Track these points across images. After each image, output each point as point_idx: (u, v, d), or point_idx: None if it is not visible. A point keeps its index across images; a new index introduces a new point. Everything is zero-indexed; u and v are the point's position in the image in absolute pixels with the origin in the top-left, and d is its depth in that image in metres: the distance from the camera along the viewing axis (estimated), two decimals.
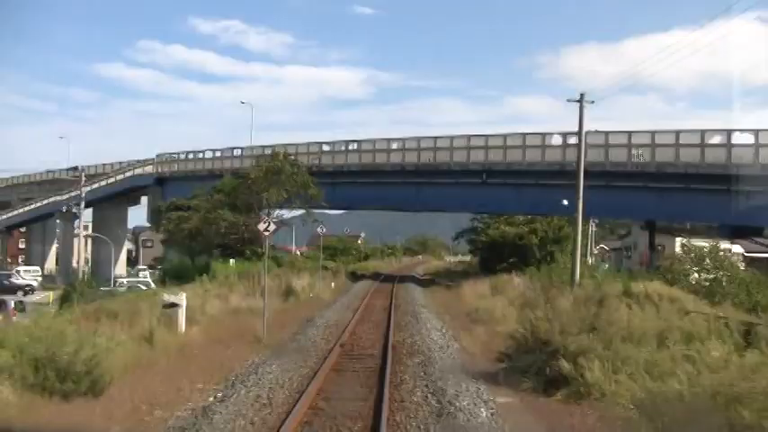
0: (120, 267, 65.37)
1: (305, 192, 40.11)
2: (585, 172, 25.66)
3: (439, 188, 40.02)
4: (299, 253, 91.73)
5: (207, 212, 39.38)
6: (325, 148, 45.47)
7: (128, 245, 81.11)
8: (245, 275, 31.06)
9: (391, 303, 24.68)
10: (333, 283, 34.14)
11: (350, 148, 44.01)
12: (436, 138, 40.10)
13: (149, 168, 59.63)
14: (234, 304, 20.07)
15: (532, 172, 36.13)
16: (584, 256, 48.25)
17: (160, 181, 56.93)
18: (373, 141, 43.14)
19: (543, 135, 36.29)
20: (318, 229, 66.62)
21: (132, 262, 79.52)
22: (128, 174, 61.85)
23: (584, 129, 24.18)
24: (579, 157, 23.73)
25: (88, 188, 67.06)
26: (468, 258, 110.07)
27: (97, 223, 70.77)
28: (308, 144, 46.40)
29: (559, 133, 35.87)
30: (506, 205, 38.22)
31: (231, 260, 38.58)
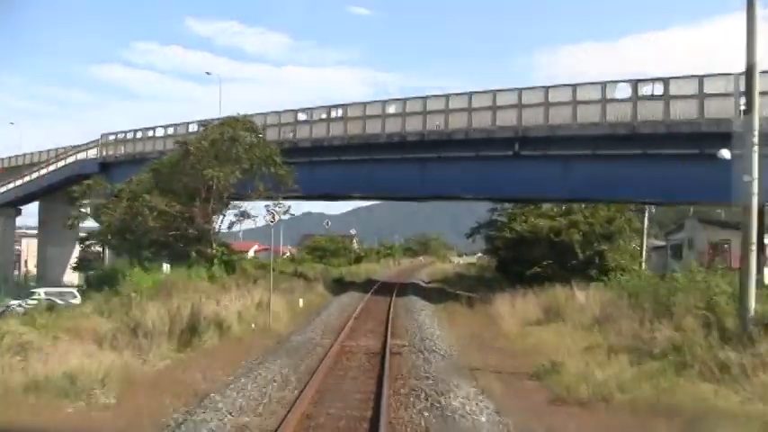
0: (69, 273, 54.91)
1: (269, 171, 29.40)
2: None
3: (452, 165, 29.25)
4: (288, 253, 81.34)
5: (130, 200, 28.61)
6: (301, 117, 34.69)
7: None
8: (165, 289, 20.50)
9: (385, 344, 13.83)
10: (301, 300, 23.31)
11: (333, 115, 33.22)
12: (448, 96, 29.30)
13: (93, 152, 48.99)
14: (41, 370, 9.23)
15: (587, 138, 25.42)
16: (637, 258, 37.68)
17: (105, 167, 46.15)
18: (363, 105, 32.35)
19: (603, 85, 25.53)
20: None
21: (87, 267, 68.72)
22: (69, 159, 51.20)
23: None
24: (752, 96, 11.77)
25: (28, 178, 57.12)
26: (474, 259, 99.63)
27: (44, 220, 60.35)
28: (279, 113, 35.61)
29: (628, 81, 25.15)
30: (547, 187, 27.42)
31: (165, 265, 27.82)
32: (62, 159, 52.03)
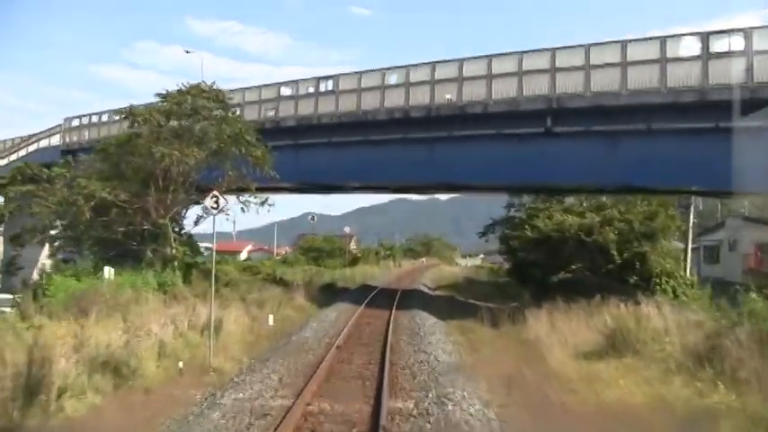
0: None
1: (241, 153, 23.88)
2: None
3: (466, 147, 23.67)
4: (284, 252, 75.75)
5: (68, 186, 23.12)
6: (285, 92, 29.11)
7: None
8: (79, 302, 15.10)
9: (377, 409, 8.20)
10: (272, 317, 17.63)
11: (322, 89, 27.66)
12: (462, 61, 23.67)
13: (56, 139, 43.54)
14: None
15: (641, 109, 19.87)
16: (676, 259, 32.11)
17: (69, 154, 40.54)
18: (358, 75, 26.76)
19: (662, 40, 19.95)
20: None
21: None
22: (31, 148, 45.76)
23: None
24: None
25: None
26: (479, 261, 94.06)
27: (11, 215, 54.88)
28: (260, 88, 30.06)
29: (695, 34, 19.56)
30: (587, 172, 21.74)
31: (107, 269, 22.28)
32: (23, 148, 46.62)
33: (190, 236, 30.52)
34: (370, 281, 40.56)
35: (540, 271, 31.50)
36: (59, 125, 43.11)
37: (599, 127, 20.87)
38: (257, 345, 14.19)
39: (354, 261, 55.32)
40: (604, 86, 20.57)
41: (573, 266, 28.66)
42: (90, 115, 40.56)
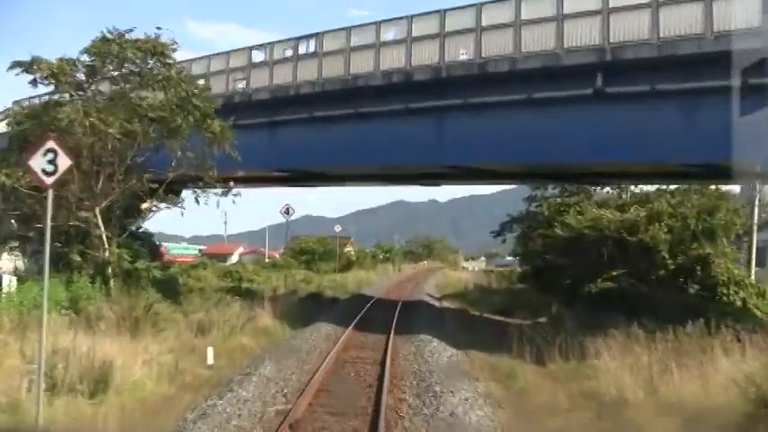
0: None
1: (190, 123, 18.35)
2: None
3: (486, 118, 18.08)
4: (277, 256, 69.95)
5: None
6: (258, 57, 23.62)
7: None
8: None
9: None
10: (212, 353, 11.89)
11: (302, 51, 22.14)
12: (481, 4, 18.04)
13: (3, 125, 37.99)
14: None
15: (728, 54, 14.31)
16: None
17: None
18: (346, 31, 21.18)
19: None
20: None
21: None
22: None
23: None
24: None
25: None
26: (483, 265, 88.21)
27: None
28: (228, 53, 24.54)
29: None
30: (658, 146, 15.91)
31: (6, 278, 16.78)
32: None
33: (139, 235, 25.08)
34: (365, 289, 34.87)
35: (569, 278, 26.12)
36: (7, 109, 37.60)
37: (671, 85, 15.29)
38: (167, 408, 8.60)
39: (348, 265, 49.69)
40: (678, 29, 15.05)
41: (614, 272, 23.24)
42: (40, 96, 35.00)
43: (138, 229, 28.64)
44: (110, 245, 18.73)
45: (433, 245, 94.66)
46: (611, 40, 15.85)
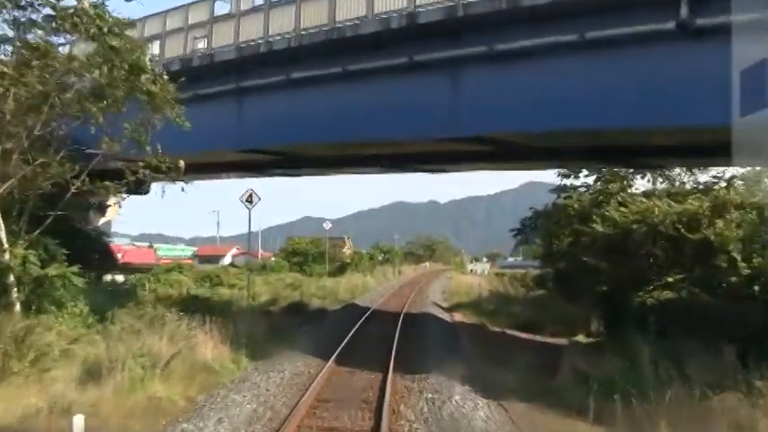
0: None
1: (123, 79, 13.50)
2: None
3: (520, 70, 13.32)
4: (272, 258, 65.07)
5: None
6: (222, 9, 18.82)
7: None
8: None
9: None
10: (80, 427, 7.14)
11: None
12: None
13: None
14: None
15: None
16: None
17: None
18: None
19: None
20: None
21: None
22: None
23: None
24: None
25: None
26: (488, 266, 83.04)
27: None
28: (187, 7, 19.68)
29: None
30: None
31: None
32: None
33: (86, 233, 20.41)
34: (360, 297, 29.94)
35: (606, 284, 21.34)
36: None
37: None
38: None
39: (342, 268, 44.77)
40: None
41: (668, 278, 18.43)
42: None
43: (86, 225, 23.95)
44: (13, 245, 13.95)
45: (434, 245, 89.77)
46: None
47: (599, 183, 22.11)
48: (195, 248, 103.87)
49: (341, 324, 18.14)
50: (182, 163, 15.87)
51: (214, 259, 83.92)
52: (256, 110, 17.89)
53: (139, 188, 31.38)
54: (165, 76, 14.05)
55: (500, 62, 13.48)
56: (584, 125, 12.86)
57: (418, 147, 17.19)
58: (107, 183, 15.84)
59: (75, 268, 14.23)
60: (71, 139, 15.38)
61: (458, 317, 22.60)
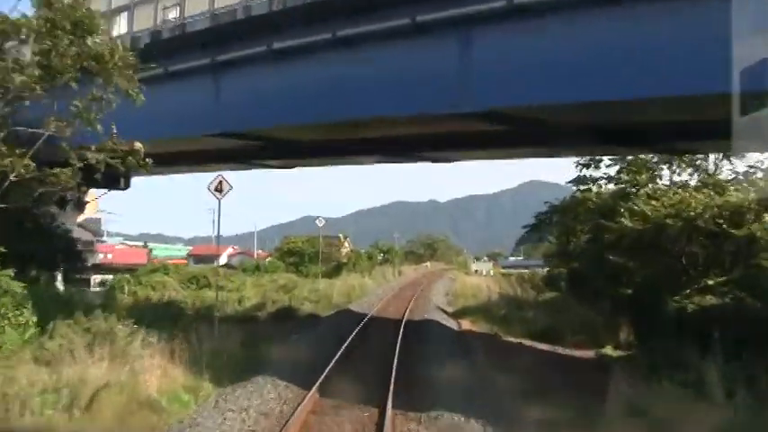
0: None
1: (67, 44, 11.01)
2: None
3: (543, 30, 10.95)
4: (267, 257, 62.70)
5: None
6: None
7: None
8: None
9: None
10: None
11: None
12: None
13: None
14: None
15: None
16: None
17: None
18: None
19: None
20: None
21: None
22: None
23: None
24: None
25: None
26: (489, 265, 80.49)
27: None
28: None
29: None
30: None
31: None
32: None
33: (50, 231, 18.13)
34: (355, 302, 27.41)
35: (631, 286, 19.05)
36: None
37: None
38: None
39: (338, 268, 42.29)
40: None
41: (709, 281, 16.07)
42: None
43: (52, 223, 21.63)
44: None
45: (435, 244, 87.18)
46: None
47: (623, 173, 19.73)
48: (191, 248, 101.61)
49: (332, 336, 15.70)
50: (138, 145, 13.50)
51: (209, 259, 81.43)
52: (235, 87, 15.52)
53: (115, 182, 28.90)
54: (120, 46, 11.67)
55: (517, 18, 11.11)
56: (636, 97, 10.40)
57: (420, 128, 14.81)
58: (57, 170, 13.45)
59: (9, 271, 11.85)
60: (12, 118, 13.07)
61: (466, 324, 20.18)
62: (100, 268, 48.30)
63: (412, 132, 15.52)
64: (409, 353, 13.42)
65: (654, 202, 17.72)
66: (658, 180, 19.46)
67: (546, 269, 34.15)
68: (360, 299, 28.90)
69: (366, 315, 21.07)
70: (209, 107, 15.94)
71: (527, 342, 16.74)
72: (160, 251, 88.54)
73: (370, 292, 33.81)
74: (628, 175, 19.35)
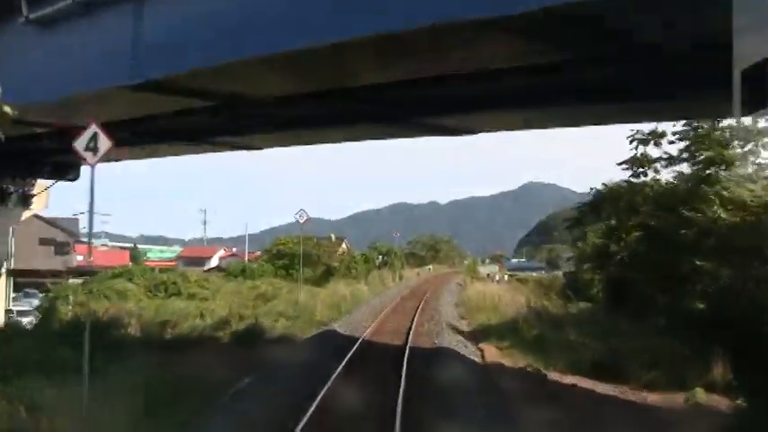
0: None
1: None
2: None
3: None
4: (253, 260, 57.97)
5: None
6: None
7: None
8: None
9: None
10: None
11: None
12: None
13: None
14: None
15: None
16: None
17: None
18: None
19: None
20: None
21: None
22: None
23: None
24: None
25: None
26: (495, 268, 75.58)
27: None
28: None
29: None
30: None
31: None
32: None
33: None
34: (344, 318, 22.10)
35: (703, 299, 14.40)
36: None
37: None
38: None
39: (328, 273, 37.10)
40: None
41: None
42: None
43: None
44: None
45: (438, 245, 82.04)
46: None
47: (702, 149, 14.77)
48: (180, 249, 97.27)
49: (303, 379, 10.72)
50: (7, 109, 8.70)
51: (200, 261, 77.06)
52: (163, 17, 10.64)
53: (64, 172, 24.51)
54: None
55: None
56: None
57: (437, 62, 9.77)
58: None
59: None
60: None
61: (490, 352, 14.95)
62: (77, 271, 43.58)
63: (425, 69, 10.37)
64: (418, 422, 8.35)
65: (750, 186, 12.92)
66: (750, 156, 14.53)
67: (553, 272, 29.56)
68: (350, 314, 23.71)
69: (357, 339, 16.03)
70: (125, 50, 11.05)
71: (581, 381, 11.85)
72: (154, 253, 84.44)
73: (364, 302, 28.71)
74: (709, 150, 14.39)
